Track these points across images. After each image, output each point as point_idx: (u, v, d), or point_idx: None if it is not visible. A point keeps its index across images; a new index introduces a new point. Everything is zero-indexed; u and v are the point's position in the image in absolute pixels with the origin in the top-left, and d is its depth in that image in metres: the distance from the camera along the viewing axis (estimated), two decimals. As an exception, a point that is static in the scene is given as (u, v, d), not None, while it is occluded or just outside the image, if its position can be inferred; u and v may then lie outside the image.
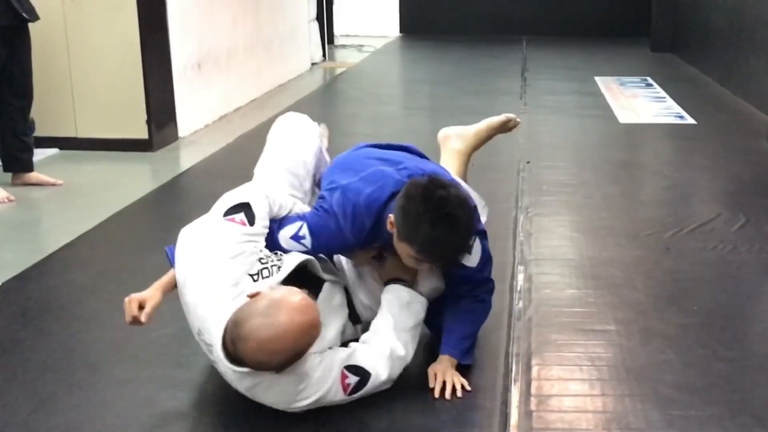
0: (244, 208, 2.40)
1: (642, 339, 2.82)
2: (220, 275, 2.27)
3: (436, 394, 2.42)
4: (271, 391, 2.25)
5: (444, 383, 2.43)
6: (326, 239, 2.44)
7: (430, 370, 2.49)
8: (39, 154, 5.18)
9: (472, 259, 2.52)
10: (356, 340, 2.53)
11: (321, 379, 2.27)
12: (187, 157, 5.68)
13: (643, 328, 2.91)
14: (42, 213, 4.64)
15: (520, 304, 3.09)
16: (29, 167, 4.92)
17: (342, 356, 2.34)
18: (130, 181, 5.07)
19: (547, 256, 3.61)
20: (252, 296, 2.18)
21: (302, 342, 2.12)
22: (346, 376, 2.31)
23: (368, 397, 2.37)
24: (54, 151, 5.61)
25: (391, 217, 2.36)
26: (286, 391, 2.25)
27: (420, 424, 2.33)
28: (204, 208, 2.54)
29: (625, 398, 2.46)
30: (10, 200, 4.60)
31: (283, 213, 2.50)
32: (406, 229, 2.31)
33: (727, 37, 7.77)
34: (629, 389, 2.50)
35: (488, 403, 2.43)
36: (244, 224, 2.37)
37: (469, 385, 2.48)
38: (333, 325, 2.42)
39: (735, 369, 2.62)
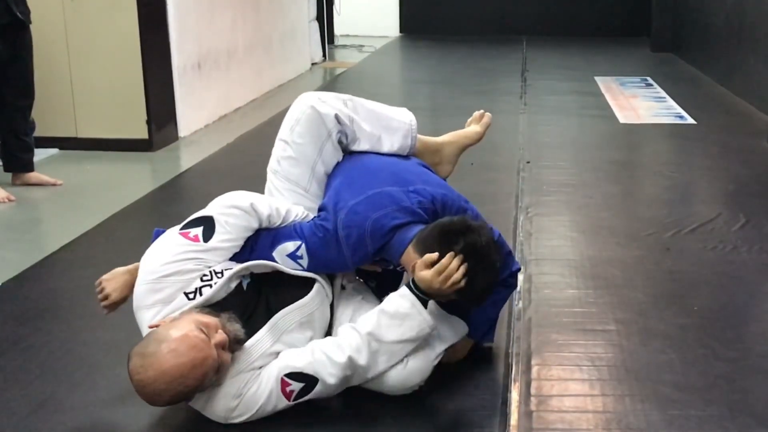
0: (205, 222, 2.35)
1: (642, 339, 2.82)
2: (149, 294, 2.27)
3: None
4: (207, 408, 2.25)
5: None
6: (325, 261, 2.39)
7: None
8: (39, 154, 5.18)
9: None
10: None
11: (256, 395, 2.24)
12: (187, 157, 5.68)
13: (643, 328, 2.91)
14: (42, 213, 4.64)
15: (520, 304, 3.09)
16: (30, 167, 4.92)
17: (280, 365, 2.27)
18: (130, 181, 5.07)
19: (547, 256, 3.61)
20: (153, 327, 2.18)
21: (182, 383, 2.08)
22: (288, 384, 2.25)
23: (369, 397, 2.37)
24: (54, 151, 5.61)
25: (411, 253, 2.30)
26: (219, 408, 2.24)
27: (420, 423, 2.34)
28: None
29: (625, 398, 2.46)
30: (10, 200, 4.60)
31: (276, 221, 2.42)
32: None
33: (727, 37, 7.77)
34: (629, 389, 2.50)
35: (488, 403, 2.43)
36: (196, 240, 2.32)
37: (469, 385, 2.50)
38: (295, 338, 2.34)
39: (735, 369, 2.62)
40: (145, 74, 5.60)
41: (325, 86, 8.75)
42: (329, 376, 2.26)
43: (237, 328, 2.23)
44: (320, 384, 2.27)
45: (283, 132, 2.57)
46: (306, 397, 2.28)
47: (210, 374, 2.13)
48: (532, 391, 2.50)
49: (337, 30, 11.73)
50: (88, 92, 5.63)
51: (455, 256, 2.22)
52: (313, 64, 9.93)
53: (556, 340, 2.82)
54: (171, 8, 5.94)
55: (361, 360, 2.27)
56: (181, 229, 2.37)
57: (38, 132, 5.17)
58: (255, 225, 2.41)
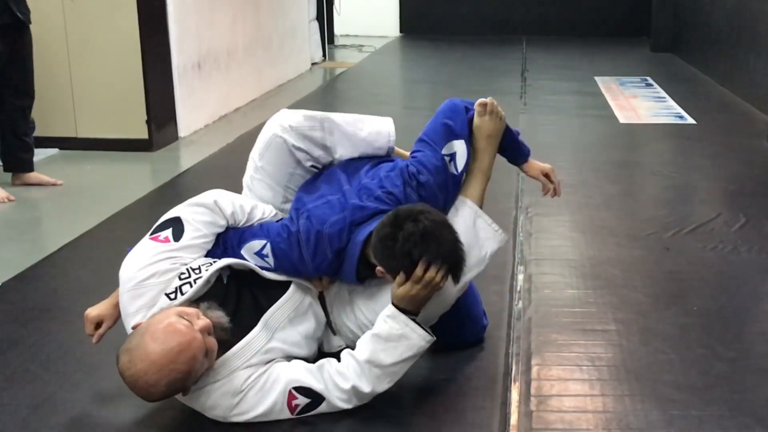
0: (173, 223, 2.37)
1: (642, 339, 2.82)
2: (132, 301, 2.27)
3: (549, 195, 2.78)
4: (207, 404, 2.24)
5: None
6: (288, 262, 2.39)
7: (538, 174, 2.76)
8: (39, 154, 5.18)
9: (459, 163, 2.65)
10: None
11: (260, 395, 2.24)
12: (187, 157, 5.68)
13: (643, 328, 2.91)
14: (42, 213, 4.64)
15: (520, 304, 3.09)
16: (29, 167, 4.92)
17: (292, 376, 2.27)
18: (130, 181, 5.07)
19: (547, 256, 3.61)
20: (135, 327, 2.19)
21: (173, 369, 2.07)
22: (295, 397, 2.25)
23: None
24: (54, 151, 5.61)
25: (371, 257, 2.31)
26: (219, 405, 2.23)
27: (420, 423, 2.34)
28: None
29: (625, 398, 2.46)
30: (10, 200, 4.60)
31: (241, 219, 2.44)
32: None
33: (727, 37, 7.77)
34: (629, 389, 2.50)
35: (488, 403, 2.43)
36: (167, 241, 2.33)
37: (469, 385, 2.51)
38: (288, 334, 2.35)
39: (735, 369, 2.62)
40: (145, 74, 5.60)
41: (325, 86, 8.75)
42: (337, 399, 2.28)
43: (219, 314, 2.23)
44: (326, 403, 2.28)
45: (255, 153, 2.57)
46: (309, 413, 2.29)
47: (199, 357, 2.12)
48: (532, 391, 2.50)
49: (337, 30, 11.73)
50: (88, 92, 5.63)
51: (423, 264, 2.20)
52: (313, 64, 9.93)
53: (556, 340, 2.82)
54: (171, 8, 5.94)
55: (365, 387, 2.27)
56: (151, 234, 2.37)
57: (38, 132, 5.17)
58: (222, 222, 2.42)
